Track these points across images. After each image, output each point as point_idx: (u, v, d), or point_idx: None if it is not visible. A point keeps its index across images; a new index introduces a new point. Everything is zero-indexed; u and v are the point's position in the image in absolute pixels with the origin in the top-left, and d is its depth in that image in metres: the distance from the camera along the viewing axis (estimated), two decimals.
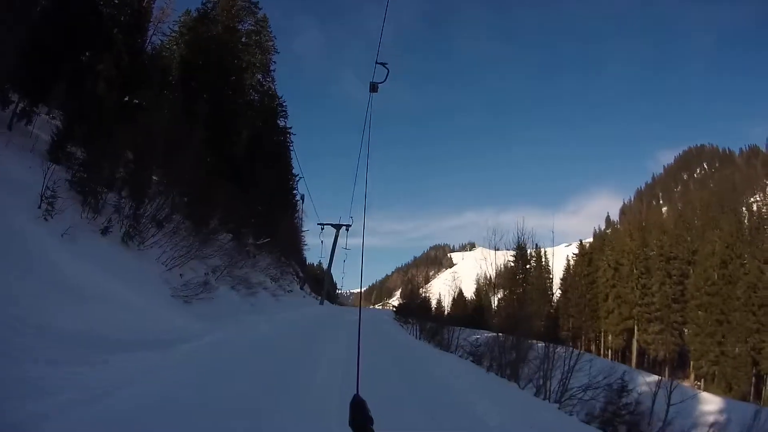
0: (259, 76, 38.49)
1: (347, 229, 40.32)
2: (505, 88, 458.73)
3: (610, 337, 66.95)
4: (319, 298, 46.35)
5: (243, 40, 37.17)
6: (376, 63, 7.03)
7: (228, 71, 33.49)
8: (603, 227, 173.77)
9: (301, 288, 45.93)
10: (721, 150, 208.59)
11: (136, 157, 17.49)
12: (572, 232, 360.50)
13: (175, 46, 34.45)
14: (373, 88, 7.19)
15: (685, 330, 61.24)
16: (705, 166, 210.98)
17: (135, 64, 21.09)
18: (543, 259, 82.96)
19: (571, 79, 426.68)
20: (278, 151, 42.14)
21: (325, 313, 31.18)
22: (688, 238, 69.34)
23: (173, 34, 34.88)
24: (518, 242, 68.54)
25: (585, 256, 73.75)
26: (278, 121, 43.65)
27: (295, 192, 50.37)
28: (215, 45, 32.55)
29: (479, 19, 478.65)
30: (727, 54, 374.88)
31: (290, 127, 44.96)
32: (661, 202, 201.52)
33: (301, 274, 50.76)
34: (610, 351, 65.93)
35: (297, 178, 49.70)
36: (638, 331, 63.98)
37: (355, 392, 2.39)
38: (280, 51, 40.56)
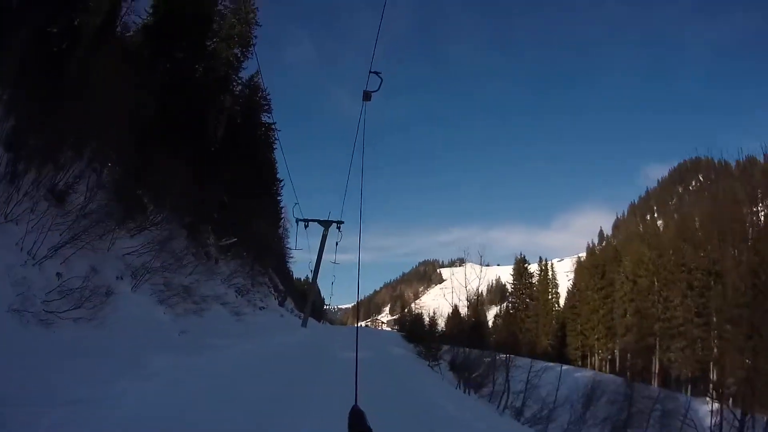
0: (237, 51, 31.94)
1: (339, 228, 30.75)
2: (496, 102, 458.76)
3: (628, 356, 60.99)
4: (302, 317, 34.39)
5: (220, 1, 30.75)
6: (370, 72, 7.30)
7: (199, 38, 27.25)
8: (596, 242, 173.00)
9: (281, 304, 37.90)
10: (716, 162, 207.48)
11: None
12: (561, 248, 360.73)
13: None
14: (367, 96, 7.46)
15: (713, 346, 56.18)
16: (701, 178, 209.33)
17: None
18: (550, 273, 77.59)
19: (561, 94, 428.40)
20: (256, 144, 35.94)
21: (306, 345, 20.55)
22: (708, 247, 63.50)
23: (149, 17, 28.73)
24: (521, 255, 62.86)
25: (597, 267, 67.65)
26: (261, 116, 37.19)
27: (279, 198, 43.97)
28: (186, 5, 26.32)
29: (473, 27, 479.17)
30: (719, 69, 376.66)
31: (274, 123, 38.32)
32: (656, 215, 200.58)
33: (280, 287, 42.78)
34: (628, 372, 59.95)
35: (281, 183, 43.30)
36: (660, 348, 57.97)
37: (354, 403, 2.44)
38: (262, 24, 34.10)
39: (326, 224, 29.94)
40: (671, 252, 62.04)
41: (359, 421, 2.26)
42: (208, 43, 28.60)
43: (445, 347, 26.13)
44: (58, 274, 9.22)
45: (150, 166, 16.47)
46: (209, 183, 22.35)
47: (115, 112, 14.54)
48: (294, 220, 32.47)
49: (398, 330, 68.60)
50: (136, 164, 16.20)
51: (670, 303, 58.51)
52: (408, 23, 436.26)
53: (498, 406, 17.29)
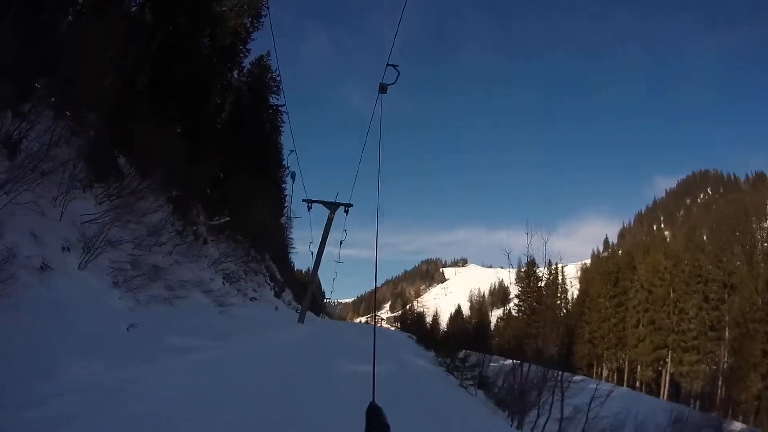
0: (246, 21, 29.36)
1: (347, 211, 27.21)
2: (504, 105, 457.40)
3: (639, 368, 58.77)
4: (301, 311, 29.19)
5: None
6: (387, 65, 7.14)
7: (205, 2, 24.97)
8: (601, 249, 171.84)
9: (277, 295, 34.59)
10: (725, 175, 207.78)
11: None
12: (564, 254, 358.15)
13: None
14: (383, 89, 7.25)
15: (724, 360, 54.37)
16: (709, 191, 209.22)
17: None
18: (560, 277, 74.73)
19: (570, 102, 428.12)
20: (263, 125, 33.73)
21: (300, 351, 15.04)
22: (724, 259, 61.22)
23: None
24: (529, 257, 60.55)
25: (610, 274, 65.04)
26: (269, 97, 35.39)
27: (284, 185, 41.48)
28: None
29: (483, 31, 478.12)
30: (726, 81, 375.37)
31: (283, 105, 35.98)
32: (662, 225, 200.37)
33: (278, 276, 39.06)
34: (639, 383, 57.76)
35: (287, 171, 40.87)
36: (672, 361, 55.97)
37: (371, 399, 2.25)
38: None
39: (333, 206, 26.44)
40: (685, 262, 60.03)
41: (377, 418, 2.07)
42: (215, 12, 26.29)
43: (459, 352, 22.68)
44: None
45: (138, 131, 14.33)
46: (206, 158, 20.11)
47: (100, 72, 12.83)
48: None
49: (400, 328, 65.78)
50: (122, 127, 14.26)
51: (685, 315, 56.53)
52: (419, 27, 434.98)
53: None
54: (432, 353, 25.49)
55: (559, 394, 14.11)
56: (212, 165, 20.43)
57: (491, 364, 20.85)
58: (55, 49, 11.70)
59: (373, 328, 3.46)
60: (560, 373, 15.08)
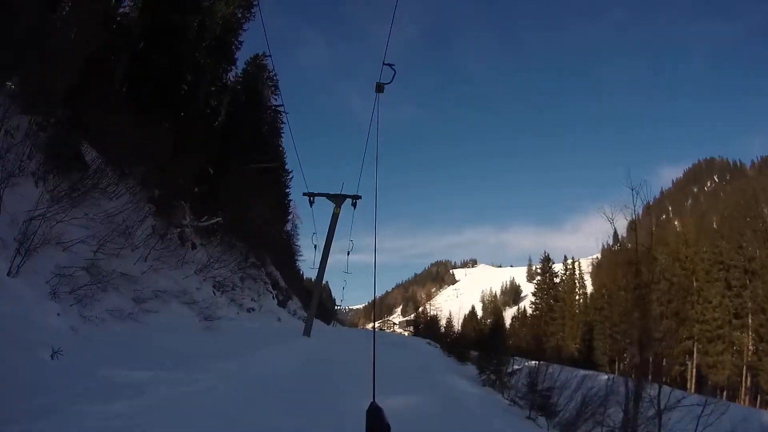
0: (238, 12, 27.61)
1: (354, 204, 23.51)
2: (506, 106, 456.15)
3: (664, 362, 56.64)
4: (306, 322, 24.11)
5: None
6: (384, 63, 7.09)
7: None
8: (611, 243, 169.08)
9: (282, 304, 31.47)
10: (731, 162, 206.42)
11: None
12: (572, 250, 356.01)
13: None
14: (380, 88, 7.26)
15: (749, 348, 53.09)
16: (716, 178, 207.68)
17: None
18: (577, 272, 72.77)
19: (571, 96, 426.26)
20: (260, 125, 31.99)
21: (297, 381, 9.80)
22: (743, 244, 59.27)
23: None
24: (545, 254, 59.13)
25: (630, 265, 62.92)
26: (269, 98, 34.18)
27: (288, 191, 40.34)
28: None
29: (483, 35, 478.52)
30: (724, 71, 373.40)
31: (281, 105, 34.50)
32: (671, 216, 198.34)
33: (281, 283, 35.19)
34: (665, 377, 55.43)
35: (290, 175, 39.79)
36: (697, 352, 54.61)
37: (372, 400, 2.28)
38: None
39: (338, 199, 23.53)
40: (705, 250, 58.21)
41: (378, 418, 2.12)
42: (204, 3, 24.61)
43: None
44: None
45: (112, 122, 12.86)
46: (194, 153, 18.24)
47: (70, 63, 11.86)
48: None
49: (413, 333, 63.44)
50: (93, 118, 12.63)
51: (708, 303, 55.41)
52: (417, 30, 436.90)
53: None
54: (470, 367, 22.08)
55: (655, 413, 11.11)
56: (198, 159, 18.55)
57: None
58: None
59: (373, 333, 3.30)
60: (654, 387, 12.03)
